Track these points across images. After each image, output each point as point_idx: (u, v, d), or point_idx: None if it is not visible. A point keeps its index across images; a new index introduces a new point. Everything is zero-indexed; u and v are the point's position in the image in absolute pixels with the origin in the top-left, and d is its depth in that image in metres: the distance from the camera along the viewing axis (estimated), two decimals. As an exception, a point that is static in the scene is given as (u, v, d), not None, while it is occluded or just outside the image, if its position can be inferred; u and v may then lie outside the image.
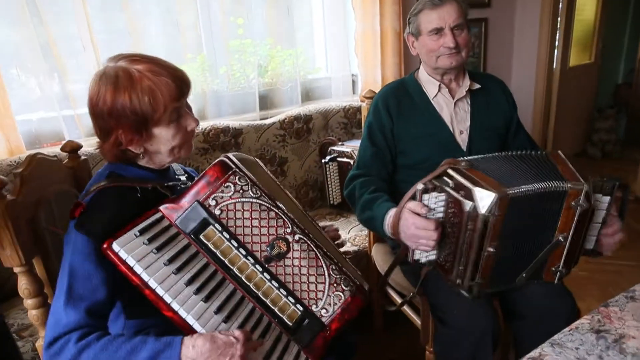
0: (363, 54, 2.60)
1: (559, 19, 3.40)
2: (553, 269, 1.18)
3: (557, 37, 3.46)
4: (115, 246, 0.89)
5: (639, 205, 3.17)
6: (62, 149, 1.22)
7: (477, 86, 1.47)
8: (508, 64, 3.54)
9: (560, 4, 3.37)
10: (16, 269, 0.95)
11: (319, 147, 2.30)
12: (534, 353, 0.72)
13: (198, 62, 2.30)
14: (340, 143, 2.21)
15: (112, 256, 0.88)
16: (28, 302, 0.99)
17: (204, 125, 2.07)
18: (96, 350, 0.85)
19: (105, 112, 0.93)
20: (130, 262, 0.89)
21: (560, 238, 1.12)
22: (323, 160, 2.17)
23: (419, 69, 1.53)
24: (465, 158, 1.16)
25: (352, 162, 2.04)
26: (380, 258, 1.67)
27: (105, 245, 0.88)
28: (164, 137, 0.98)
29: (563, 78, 3.61)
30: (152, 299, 0.90)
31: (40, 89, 1.98)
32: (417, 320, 1.52)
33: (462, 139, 1.42)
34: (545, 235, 1.13)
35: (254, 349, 0.92)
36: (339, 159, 2.12)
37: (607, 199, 1.12)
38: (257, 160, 1.16)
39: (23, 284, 0.97)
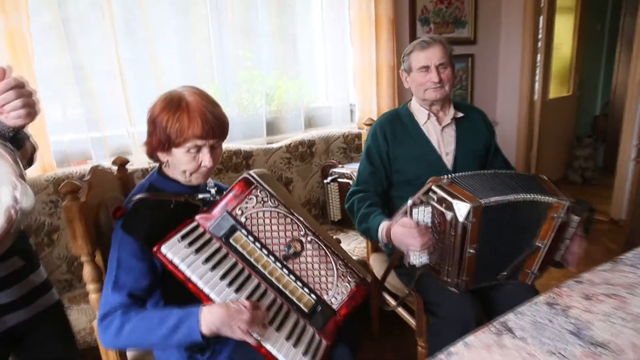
0: (361, 85, 2.85)
1: (538, 55, 3.70)
2: (528, 271, 1.40)
3: (537, 71, 3.74)
4: (164, 249, 1.09)
5: (613, 226, 3.41)
6: (113, 163, 1.44)
7: (461, 115, 1.71)
8: (493, 95, 3.81)
9: (540, 42, 3.67)
10: (83, 258, 1.16)
11: (320, 169, 2.52)
12: (502, 318, 0.93)
13: (211, 91, 2.52)
14: (340, 165, 2.42)
15: (162, 257, 1.08)
16: (90, 287, 1.19)
17: (217, 147, 2.28)
18: (136, 320, 1.06)
19: (151, 118, 1.17)
20: (176, 262, 1.09)
21: (538, 244, 1.35)
22: (325, 181, 2.38)
23: (411, 100, 1.77)
24: (447, 175, 1.38)
25: (351, 182, 2.25)
26: (378, 266, 1.88)
27: (155, 249, 1.08)
28: (179, 159, 1.17)
29: (544, 109, 3.89)
30: (194, 291, 1.09)
31: (71, 112, 2.20)
32: (411, 320, 1.72)
33: (448, 160, 1.66)
34: (526, 240, 1.35)
35: (260, 316, 1.08)
36: (339, 179, 2.33)
37: (577, 218, 1.35)
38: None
39: (87, 271, 1.18)
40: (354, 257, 2.05)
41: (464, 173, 1.41)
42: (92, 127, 2.22)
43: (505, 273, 1.39)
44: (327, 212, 2.45)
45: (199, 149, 1.17)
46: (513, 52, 3.67)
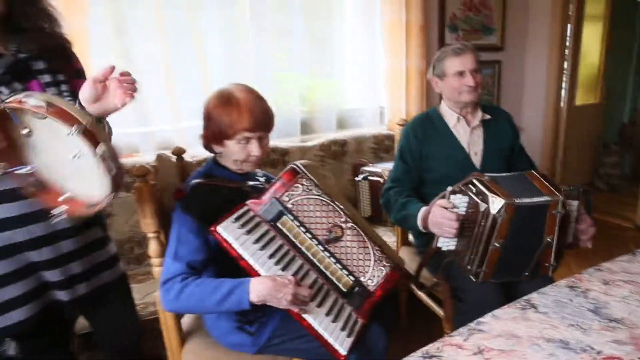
0: (390, 89, 2.97)
1: (565, 62, 3.74)
2: (547, 264, 1.49)
3: (564, 78, 3.79)
4: (219, 229, 1.22)
5: (639, 233, 3.44)
6: (172, 152, 1.60)
7: (488, 117, 1.82)
8: (519, 101, 3.88)
9: (567, 49, 3.73)
10: (149, 235, 1.31)
11: (352, 167, 2.64)
12: (527, 297, 1.03)
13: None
14: (371, 164, 2.53)
15: (218, 236, 1.21)
16: (154, 261, 1.34)
17: (255, 145, 2.43)
18: (193, 286, 1.20)
19: (206, 113, 1.31)
20: (230, 240, 1.21)
21: (548, 239, 1.44)
22: (356, 179, 2.50)
23: (440, 104, 1.88)
24: (488, 174, 1.49)
25: (381, 180, 2.36)
26: (407, 259, 1.99)
27: (212, 229, 1.21)
28: (231, 150, 1.30)
29: (570, 116, 3.93)
30: (246, 267, 1.22)
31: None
32: (438, 309, 1.83)
33: (477, 159, 1.77)
34: (537, 238, 1.44)
35: (302, 292, 1.20)
36: (370, 177, 2.44)
37: (575, 202, 1.45)
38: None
39: (152, 247, 1.33)
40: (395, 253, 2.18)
41: (502, 174, 1.51)
42: (141, 121, 2.38)
43: (527, 273, 1.48)
44: (357, 208, 2.57)
45: (248, 140, 1.29)
46: (540, 59, 3.74)
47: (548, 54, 3.68)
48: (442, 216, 1.46)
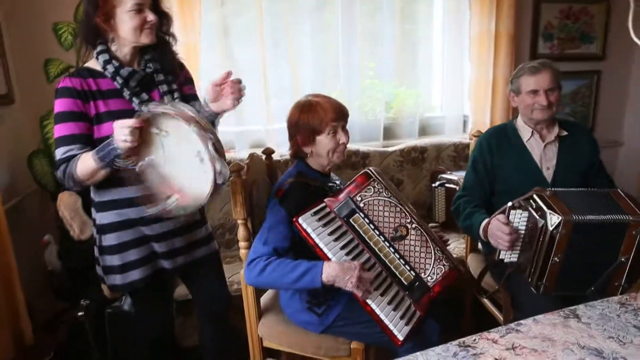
0: (475, 98, 2.99)
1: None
2: (616, 284, 1.50)
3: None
4: (300, 220, 1.42)
5: None
6: (263, 152, 1.83)
7: (565, 133, 1.84)
8: (620, 115, 3.63)
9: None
10: (239, 221, 1.54)
11: (430, 174, 2.73)
12: (572, 307, 1.10)
13: (334, 95, 2.83)
14: (449, 172, 2.60)
15: (299, 226, 1.41)
16: (241, 244, 1.58)
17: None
18: (275, 265, 1.40)
19: (292, 124, 1.53)
20: (309, 230, 1.41)
21: (622, 259, 1.45)
22: (433, 185, 2.59)
23: (517, 117, 1.92)
24: (552, 189, 1.53)
25: (457, 188, 2.43)
26: (475, 265, 2.06)
27: (294, 219, 1.42)
28: (323, 143, 1.51)
29: (679, 131, 3.62)
30: (321, 255, 1.41)
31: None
32: (498, 314, 1.88)
33: (548, 174, 1.80)
34: (610, 255, 1.46)
35: (367, 277, 1.35)
36: (446, 185, 2.51)
37: None
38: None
39: (241, 232, 1.56)
40: (454, 256, 2.25)
41: (569, 189, 1.55)
42: (238, 121, 2.67)
43: (593, 288, 1.49)
44: (432, 213, 2.65)
45: (335, 130, 1.51)
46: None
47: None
48: (497, 229, 1.54)
